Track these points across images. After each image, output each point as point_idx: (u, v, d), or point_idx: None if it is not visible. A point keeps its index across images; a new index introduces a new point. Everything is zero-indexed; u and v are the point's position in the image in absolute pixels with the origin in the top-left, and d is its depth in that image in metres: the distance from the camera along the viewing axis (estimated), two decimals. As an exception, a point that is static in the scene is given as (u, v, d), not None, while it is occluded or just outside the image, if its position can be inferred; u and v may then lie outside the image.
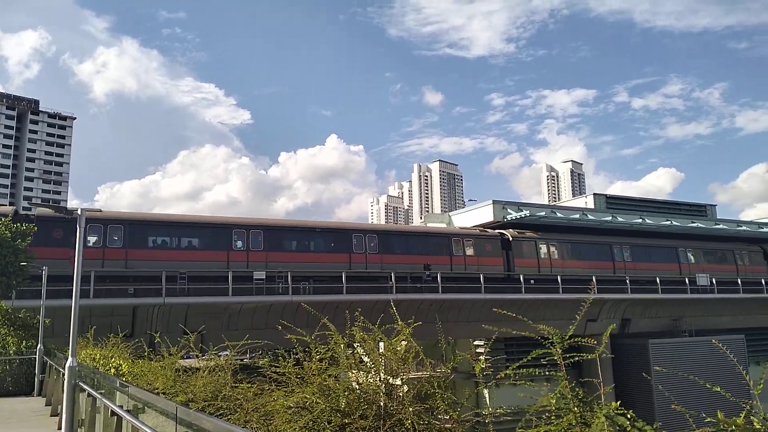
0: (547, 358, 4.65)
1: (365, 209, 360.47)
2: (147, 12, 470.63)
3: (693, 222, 51.49)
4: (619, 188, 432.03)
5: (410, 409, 4.83)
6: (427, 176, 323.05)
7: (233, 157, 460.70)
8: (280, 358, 6.34)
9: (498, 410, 5.04)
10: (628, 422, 3.43)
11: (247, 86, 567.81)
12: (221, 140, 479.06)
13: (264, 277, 31.57)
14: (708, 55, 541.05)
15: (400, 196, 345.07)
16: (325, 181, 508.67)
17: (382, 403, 5.03)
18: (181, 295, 29.33)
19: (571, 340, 4.40)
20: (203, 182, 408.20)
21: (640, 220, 47.81)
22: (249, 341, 8.76)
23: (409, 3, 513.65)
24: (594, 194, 53.71)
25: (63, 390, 10.52)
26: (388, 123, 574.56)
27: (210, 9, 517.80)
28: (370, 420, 4.79)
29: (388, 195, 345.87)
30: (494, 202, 43.61)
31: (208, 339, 16.27)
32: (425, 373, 5.64)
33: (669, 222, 49.48)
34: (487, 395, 30.50)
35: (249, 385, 6.69)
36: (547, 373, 4.59)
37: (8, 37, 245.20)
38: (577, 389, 3.79)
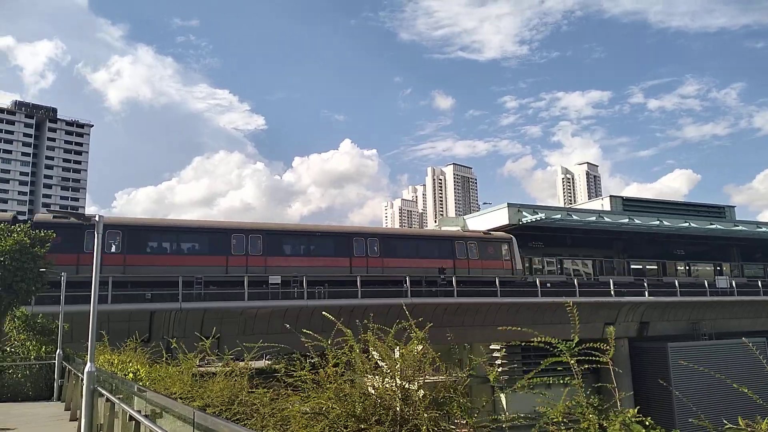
0: (560, 367, 4.61)
1: (378, 213, 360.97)
2: (161, 20, 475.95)
3: (711, 224, 50.88)
4: (635, 190, 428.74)
5: (426, 414, 4.81)
6: (441, 180, 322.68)
7: (247, 163, 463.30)
8: (297, 362, 6.35)
9: (514, 416, 5.01)
10: (644, 430, 3.38)
11: (261, 92, 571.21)
12: (235, 146, 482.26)
13: (279, 282, 31.70)
14: (724, 55, 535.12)
15: (414, 199, 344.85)
16: (338, 185, 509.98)
17: (398, 409, 5.02)
18: (197, 300, 29.54)
19: (583, 346, 4.37)
20: (217, 188, 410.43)
21: (658, 222, 47.34)
22: (265, 345, 8.78)
23: (421, 7, 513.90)
24: (610, 196, 53.33)
25: (82, 395, 10.62)
26: (400, 127, 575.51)
27: (222, 16, 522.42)
28: (387, 425, 4.78)
29: (401, 199, 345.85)
30: (509, 205, 43.43)
31: (225, 344, 16.36)
32: (441, 378, 5.62)
33: (687, 224, 48.94)
34: (504, 400, 30.30)
35: (265, 390, 6.71)
36: (564, 380, 4.56)
37: (23, 46, 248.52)
38: (593, 396, 3.75)
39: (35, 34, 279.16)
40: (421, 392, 5.27)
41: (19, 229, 21.16)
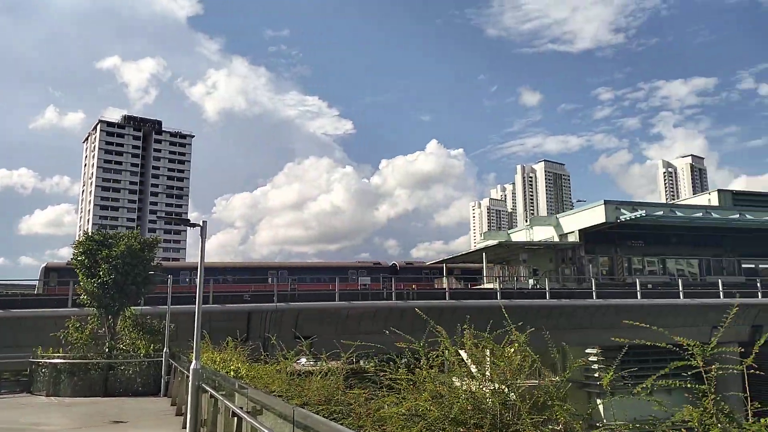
0: (670, 369, 4.31)
1: (465, 214, 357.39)
2: (254, 31, 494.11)
3: (836, 218, 46.39)
4: (744, 183, 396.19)
5: (528, 420, 4.63)
6: (531, 177, 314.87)
7: (336, 167, 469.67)
8: (390, 363, 6.34)
9: (620, 423, 4.71)
10: None
11: (349, 97, 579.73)
12: (325, 151, 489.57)
13: (368, 282, 32.11)
14: None
15: (503, 198, 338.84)
16: (424, 186, 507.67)
17: (497, 413, 4.88)
18: (292, 301, 30.44)
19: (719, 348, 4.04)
20: (307, 192, 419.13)
21: (773, 218, 43.78)
22: (360, 345, 8.85)
23: (509, 1, 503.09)
24: (718, 190, 49.75)
25: (187, 391, 11.18)
26: (487, 125, 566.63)
27: (311, 24, 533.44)
28: (485, 429, 4.65)
29: (489, 198, 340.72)
30: (606, 202, 41.60)
31: (319, 344, 16.70)
32: (536, 381, 5.44)
33: (807, 219, 44.90)
34: (601, 407, 28.99)
35: (360, 390, 6.74)
36: (672, 383, 4.25)
37: (129, 64, 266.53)
38: (722, 404, 3.45)
39: (139, 52, 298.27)
40: (512, 395, 5.10)
41: (130, 235, 22.70)
